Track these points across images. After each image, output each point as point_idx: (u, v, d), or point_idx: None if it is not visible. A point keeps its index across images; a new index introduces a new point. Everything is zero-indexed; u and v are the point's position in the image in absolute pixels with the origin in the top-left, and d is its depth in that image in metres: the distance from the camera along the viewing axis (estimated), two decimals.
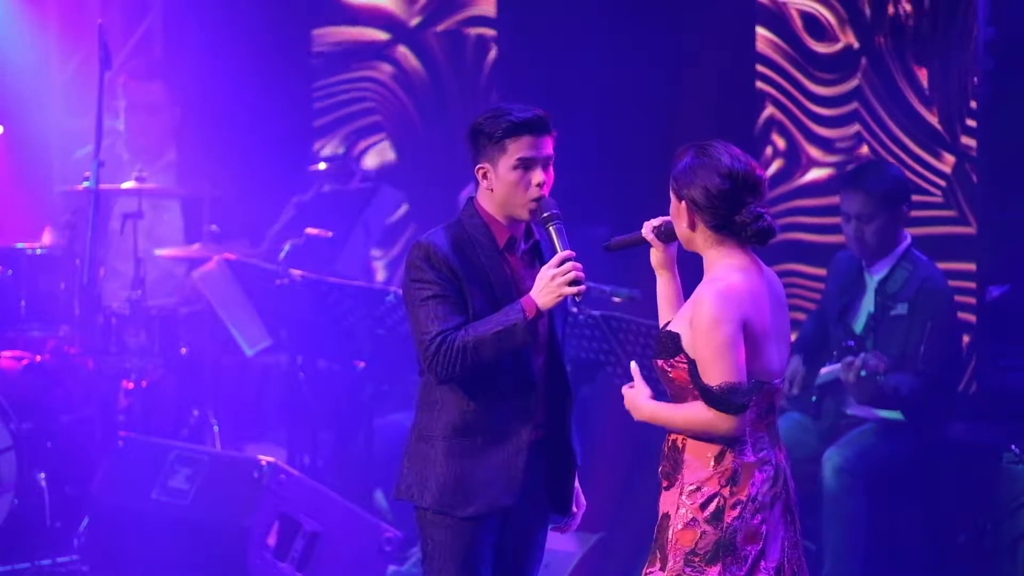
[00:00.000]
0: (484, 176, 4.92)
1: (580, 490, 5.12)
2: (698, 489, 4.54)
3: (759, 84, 8.80)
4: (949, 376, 7.43)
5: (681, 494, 4.56)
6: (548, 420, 4.97)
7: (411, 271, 4.88)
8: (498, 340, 4.78)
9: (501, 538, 4.96)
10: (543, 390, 4.95)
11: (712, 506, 4.52)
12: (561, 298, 4.80)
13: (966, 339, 7.85)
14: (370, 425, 8.48)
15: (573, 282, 4.79)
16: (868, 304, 7.39)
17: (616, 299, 7.67)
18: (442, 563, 4.90)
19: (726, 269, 4.54)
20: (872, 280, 7.40)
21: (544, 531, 5.09)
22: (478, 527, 4.89)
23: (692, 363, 4.51)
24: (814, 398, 7.45)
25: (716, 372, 4.46)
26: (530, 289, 4.85)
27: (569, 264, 4.80)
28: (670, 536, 4.55)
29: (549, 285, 4.80)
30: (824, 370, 7.40)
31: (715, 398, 4.47)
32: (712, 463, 4.54)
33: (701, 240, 4.59)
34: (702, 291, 4.53)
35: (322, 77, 10.34)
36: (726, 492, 4.52)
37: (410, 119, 10.19)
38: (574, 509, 5.10)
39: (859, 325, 7.39)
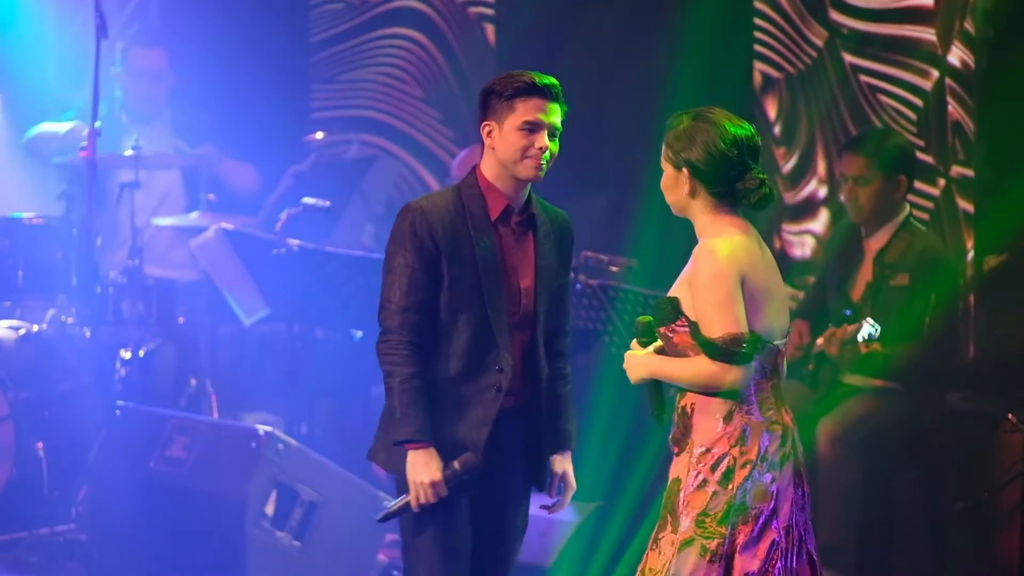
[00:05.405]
0: (488, 134, 4.89)
1: (571, 471, 5.07)
2: (708, 451, 4.55)
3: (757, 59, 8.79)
4: (948, 345, 7.42)
5: (691, 457, 4.57)
6: (524, 389, 4.95)
7: (394, 233, 4.92)
8: (392, 411, 4.87)
9: (479, 504, 4.94)
10: (520, 360, 4.93)
11: (722, 467, 4.53)
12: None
13: (964, 307, 7.85)
14: (368, 394, 8.49)
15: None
16: (866, 273, 7.38)
17: (613, 268, 7.66)
18: (417, 525, 4.90)
19: (722, 226, 4.55)
20: (870, 249, 7.39)
21: (526, 502, 5.07)
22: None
23: (694, 324, 4.52)
24: (810, 366, 7.44)
25: (717, 325, 4.47)
26: (514, 262, 4.87)
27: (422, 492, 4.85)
28: (681, 499, 4.56)
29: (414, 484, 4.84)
30: (820, 339, 7.39)
31: (718, 350, 4.48)
32: (721, 424, 4.55)
33: (699, 207, 4.59)
34: (699, 250, 4.55)
35: (320, 48, 10.33)
36: (736, 452, 4.53)
37: (411, 87, 10.16)
38: (562, 491, 5.05)
39: (857, 294, 7.38)
